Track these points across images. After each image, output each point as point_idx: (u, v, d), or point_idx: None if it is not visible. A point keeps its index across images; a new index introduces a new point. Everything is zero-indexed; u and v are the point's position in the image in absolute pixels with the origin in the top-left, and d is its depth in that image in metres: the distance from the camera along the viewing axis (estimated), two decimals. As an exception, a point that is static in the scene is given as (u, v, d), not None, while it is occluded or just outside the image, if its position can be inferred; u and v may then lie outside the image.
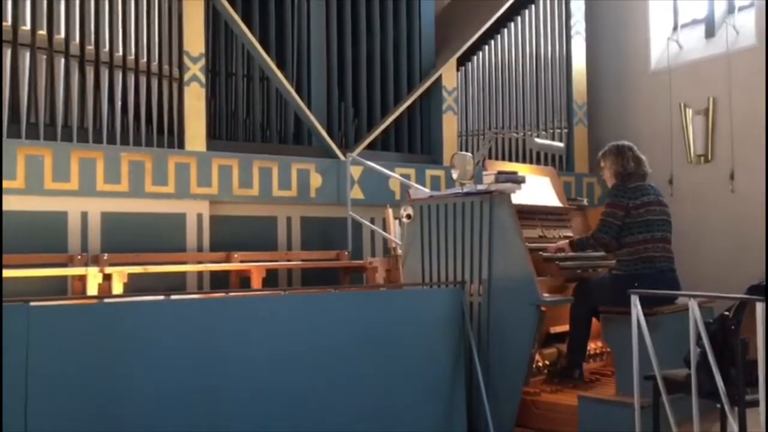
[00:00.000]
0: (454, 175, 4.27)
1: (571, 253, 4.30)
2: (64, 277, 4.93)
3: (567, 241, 4.30)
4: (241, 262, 5.60)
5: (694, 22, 7.73)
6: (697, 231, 7.12)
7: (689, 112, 7.41)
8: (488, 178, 4.15)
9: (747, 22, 7.11)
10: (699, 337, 2.65)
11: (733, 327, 2.63)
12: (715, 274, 6.76)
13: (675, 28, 7.85)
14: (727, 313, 2.70)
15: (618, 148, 4.26)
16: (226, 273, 5.59)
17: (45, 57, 5.12)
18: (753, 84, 6.90)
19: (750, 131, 6.94)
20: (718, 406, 2.69)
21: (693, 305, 2.68)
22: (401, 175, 6.53)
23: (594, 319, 4.22)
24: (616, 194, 4.13)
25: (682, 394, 2.81)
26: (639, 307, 2.90)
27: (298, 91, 6.44)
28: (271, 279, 5.70)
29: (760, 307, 2.49)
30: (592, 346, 4.64)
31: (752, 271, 3.59)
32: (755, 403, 2.52)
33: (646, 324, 2.90)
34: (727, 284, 4.47)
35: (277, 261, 5.94)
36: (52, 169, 5.06)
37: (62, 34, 5.19)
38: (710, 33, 7.46)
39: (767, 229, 5.55)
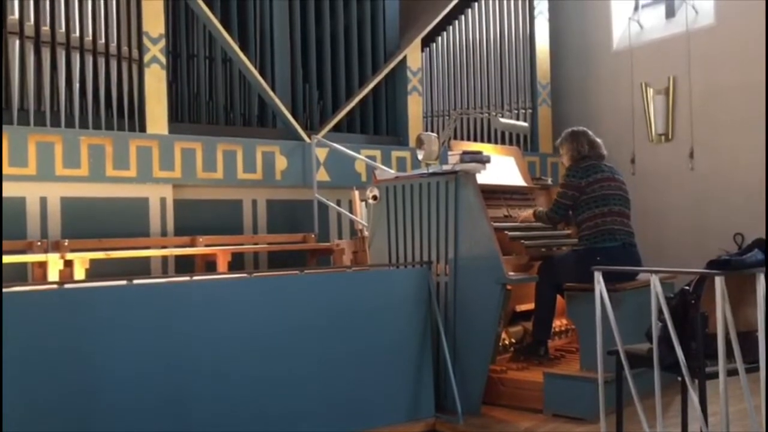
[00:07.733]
0: (420, 156, 4.27)
1: (536, 225, 4.47)
2: (24, 264, 4.83)
3: (531, 211, 4.51)
4: (207, 246, 5.54)
5: (655, 1, 7.80)
6: (658, 209, 7.25)
7: (650, 91, 7.50)
8: (453, 158, 4.16)
9: (706, 1, 7.20)
10: (660, 312, 2.69)
11: (693, 301, 2.67)
12: (675, 250, 6.91)
13: (636, 8, 7.91)
14: (687, 287, 2.74)
15: (572, 134, 4.41)
16: (191, 258, 5.52)
17: (-2, 38, 4.98)
18: (711, 63, 7.01)
19: (708, 110, 7.05)
20: (679, 378, 2.75)
21: (655, 280, 2.72)
22: (367, 156, 6.51)
23: (559, 297, 4.28)
24: (568, 174, 4.29)
25: (644, 367, 2.86)
26: (602, 283, 2.93)
27: (261, 73, 6.35)
28: (237, 263, 5.65)
29: (719, 281, 2.54)
30: (557, 323, 4.71)
31: (711, 246, 3.66)
32: (714, 375, 2.58)
33: (609, 300, 2.94)
34: (686, 260, 4.57)
35: (243, 245, 5.89)
36: (8, 153, 4.94)
37: (16, 15, 5.05)
38: (670, 13, 7.55)
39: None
